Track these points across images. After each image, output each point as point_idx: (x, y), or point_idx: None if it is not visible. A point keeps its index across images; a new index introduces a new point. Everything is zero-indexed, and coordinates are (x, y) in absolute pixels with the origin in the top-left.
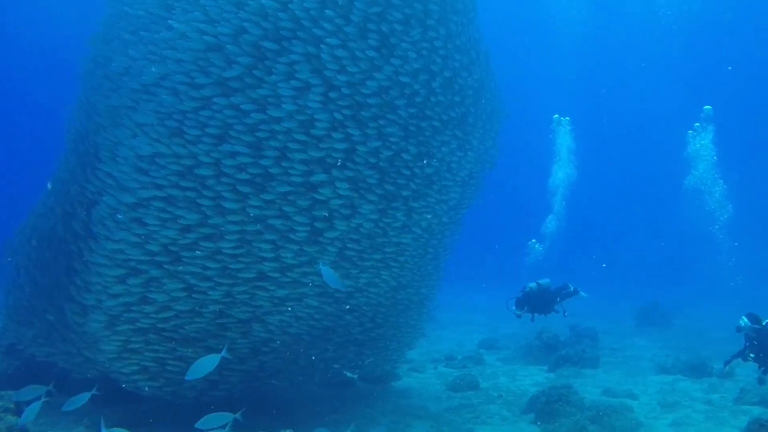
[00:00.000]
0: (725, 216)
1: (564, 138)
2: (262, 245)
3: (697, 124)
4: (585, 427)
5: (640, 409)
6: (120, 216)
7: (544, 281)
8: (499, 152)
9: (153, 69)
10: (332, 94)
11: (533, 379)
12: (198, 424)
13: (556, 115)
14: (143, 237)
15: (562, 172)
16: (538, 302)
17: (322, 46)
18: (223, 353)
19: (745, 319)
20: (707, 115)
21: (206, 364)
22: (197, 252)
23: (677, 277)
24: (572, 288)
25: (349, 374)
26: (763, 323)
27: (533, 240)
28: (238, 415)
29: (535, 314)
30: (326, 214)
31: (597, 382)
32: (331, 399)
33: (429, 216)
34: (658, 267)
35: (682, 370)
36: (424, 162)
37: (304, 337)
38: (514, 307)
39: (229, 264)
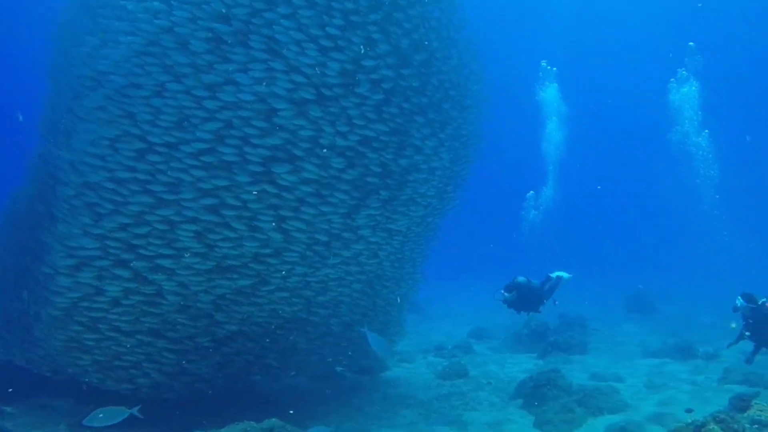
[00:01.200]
0: (711, 173)
1: (552, 95)
2: (224, 234)
3: (682, 70)
4: (572, 409)
5: (626, 391)
6: (75, 202)
7: (535, 282)
8: (483, 141)
9: (107, 54)
10: (296, 77)
11: (522, 366)
12: None
13: (544, 62)
14: (95, 222)
15: (553, 136)
16: (525, 297)
17: (278, 27)
18: (133, 411)
19: (741, 299)
20: (691, 54)
21: (109, 415)
22: (153, 241)
23: (665, 261)
24: (555, 276)
25: (337, 368)
26: (759, 302)
27: (531, 192)
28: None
29: (522, 311)
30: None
31: (585, 367)
32: (320, 391)
33: (404, 218)
34: (646, 251)
35: (669, 353)
36: (396, 150)
37: (276, 332)
38: (502, 291)
39: (185, 254)
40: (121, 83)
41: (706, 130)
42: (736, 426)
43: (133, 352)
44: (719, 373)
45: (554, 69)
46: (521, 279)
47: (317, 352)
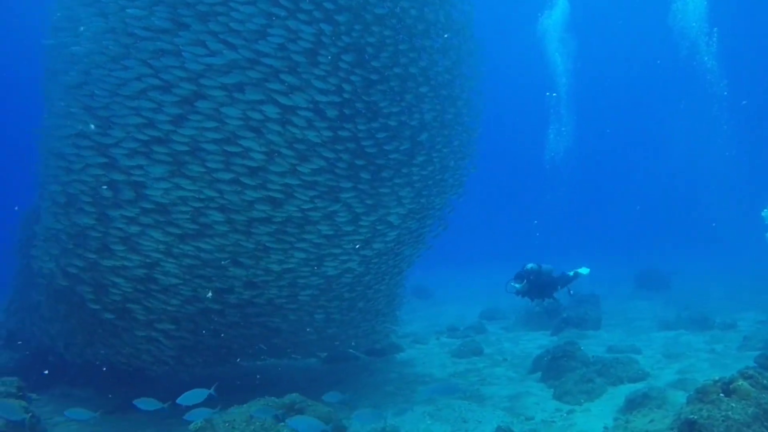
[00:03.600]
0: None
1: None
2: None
3: None
4: (592, 379)
5: (645, 361)
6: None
7: (546, 266)
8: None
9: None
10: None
11: (537, 342)
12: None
13: None
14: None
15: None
16: (537, 284)
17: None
18: None
19: None
20: None
21: None
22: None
23: (673, 236)
24: (572, 273)
25: (348, 350)
26: None
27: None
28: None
29: (535, 300)
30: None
31: (600, 342)
32: (335, 373)
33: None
34: (653, 227)
35: (685, 325)
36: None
37: (253, 317)
38: (513, 284)
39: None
40: (84, 63)
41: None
42: (765, 381)
43: (103, 326)
44: (738, 342)
45: None
46: (531, 265)
47: (304, 335)
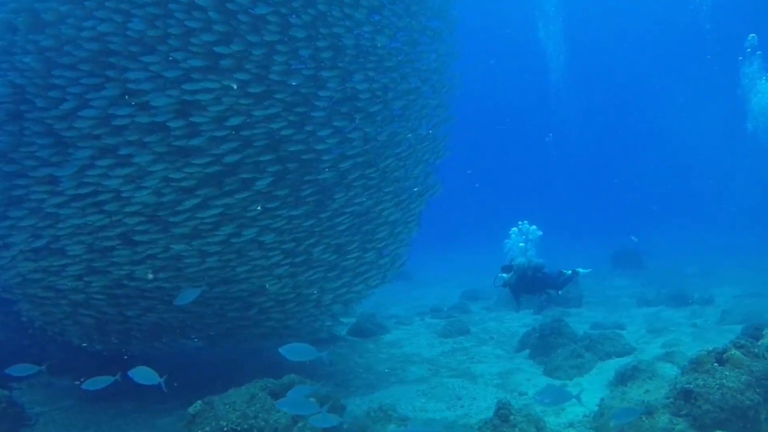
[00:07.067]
0: None
1: None
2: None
3: None
4: (581, 354)
5: (630, 336)
6: None
7: (538, 261)
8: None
9: None
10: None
11: (521, 321)
12: None
13: None
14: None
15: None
16: (526, 280)
17: None
18: None
19: None
20: None
21: None
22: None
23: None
24: (569, 272)
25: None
26: None
27: None
28: None
29: (524, 295)
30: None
31: (584, 319)
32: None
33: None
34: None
35: (664, 301)
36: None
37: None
38: (501, 275)
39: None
40: None
41: None
42: (756, 350)
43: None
44: (717, 316)
45: None
46: (521, 260)
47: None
